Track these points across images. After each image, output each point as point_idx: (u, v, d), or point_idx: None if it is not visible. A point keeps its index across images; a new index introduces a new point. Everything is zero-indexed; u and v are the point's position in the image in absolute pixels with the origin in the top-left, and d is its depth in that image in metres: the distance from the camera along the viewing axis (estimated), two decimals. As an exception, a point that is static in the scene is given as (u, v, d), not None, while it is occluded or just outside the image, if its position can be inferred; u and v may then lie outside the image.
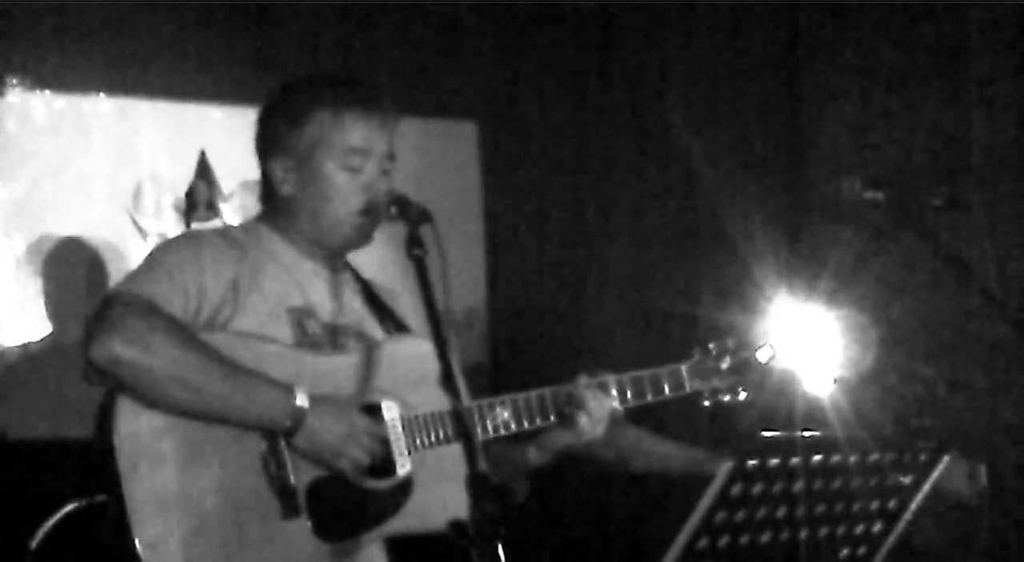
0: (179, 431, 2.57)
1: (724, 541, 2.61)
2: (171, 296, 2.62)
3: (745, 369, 3.00)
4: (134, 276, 2.69)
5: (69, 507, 3.27)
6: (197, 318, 2.65)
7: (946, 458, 2.76)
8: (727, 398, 2.99)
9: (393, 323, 2.94)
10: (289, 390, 2.59)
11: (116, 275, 4.49)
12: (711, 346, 3.01)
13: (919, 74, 4.92)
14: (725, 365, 2.99)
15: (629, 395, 2.92)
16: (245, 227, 2.92)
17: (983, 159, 4.75)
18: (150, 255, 2.75)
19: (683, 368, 2.97)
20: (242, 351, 2.63)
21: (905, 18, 4.95)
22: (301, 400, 2.59)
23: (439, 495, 2.69)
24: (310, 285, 2.83)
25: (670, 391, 2.96)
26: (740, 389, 2.99)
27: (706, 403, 3.00)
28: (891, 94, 4.99)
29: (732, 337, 3.03)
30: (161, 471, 2.55)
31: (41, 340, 4.44)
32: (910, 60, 4.95)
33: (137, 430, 2.55)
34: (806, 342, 2.96)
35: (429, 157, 4.96)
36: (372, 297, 2.96)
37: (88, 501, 3.20)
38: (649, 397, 2.94)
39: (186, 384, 2.54)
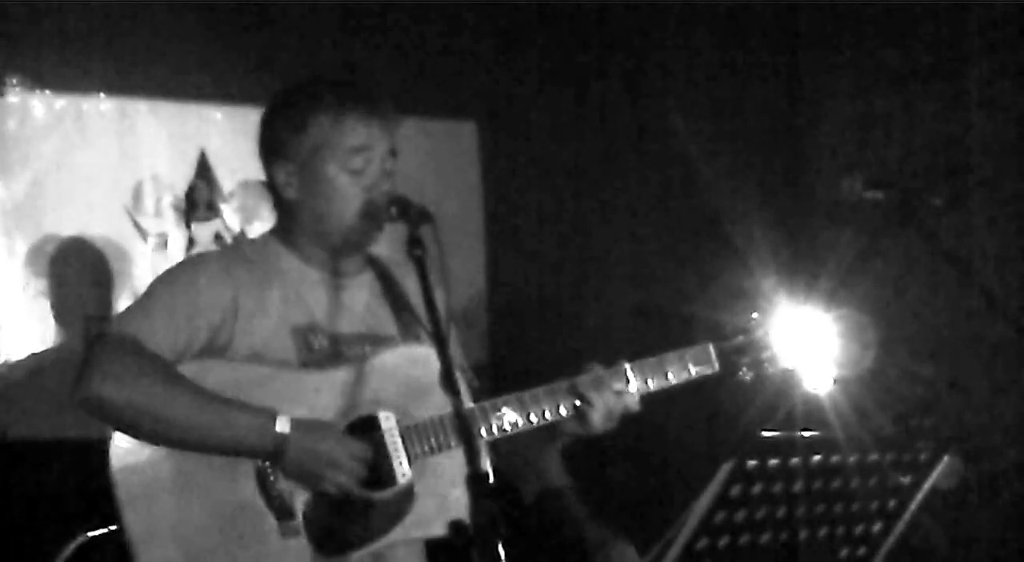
0: (172, 460, 2.62)
1: (724, 541, 2.60)
2: (159, 331, 2.65)
3: (764, 344, 2.93)
4: (127, 312, 2.73)
5: (81, 538, 3.31)
6: (191, 346, 2.68)
7: (946, 458, 2.76)
8: (770, 370, 2.91)
9: (413, 318, 2.91)
10: (271, 416, 2.60)
11: (117, 275, 4.50)
12: (753, 315, 2.93)
13: (919, 74, 4.92)
14: (760, 334, 2.91)
15: (650, 380, 2.84)
16: (256, 242, 2.93)
17: (983, 159, 4.75)
18: (148, 287, 2.78)
19: (710, 345, 2.88)
20: (234, 377, 2.66)
21: (905, 18, 4.96)
22: (282, 426, 2.59)
23: (443, 501, 2.68)
24: (316, 298, 2.83)
25: (696, 369, 2.87)
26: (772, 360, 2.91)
27: (747, 377, 2.91)
28: (891, 94, 5.00)
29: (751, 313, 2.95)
30: (157, 500, 2.60)
31: (41, 340, 4.44)
32: (910, 60, 4.95)
33: (131, 463, 2.61)
34: (806, 342, 2.95)
35: (429, 157, 4.96)
36: (394, 294, 2.94)
37: (100, 531, 3.25)
38: (671, 378, 2.85)
39: (167, 420, 2.58)
